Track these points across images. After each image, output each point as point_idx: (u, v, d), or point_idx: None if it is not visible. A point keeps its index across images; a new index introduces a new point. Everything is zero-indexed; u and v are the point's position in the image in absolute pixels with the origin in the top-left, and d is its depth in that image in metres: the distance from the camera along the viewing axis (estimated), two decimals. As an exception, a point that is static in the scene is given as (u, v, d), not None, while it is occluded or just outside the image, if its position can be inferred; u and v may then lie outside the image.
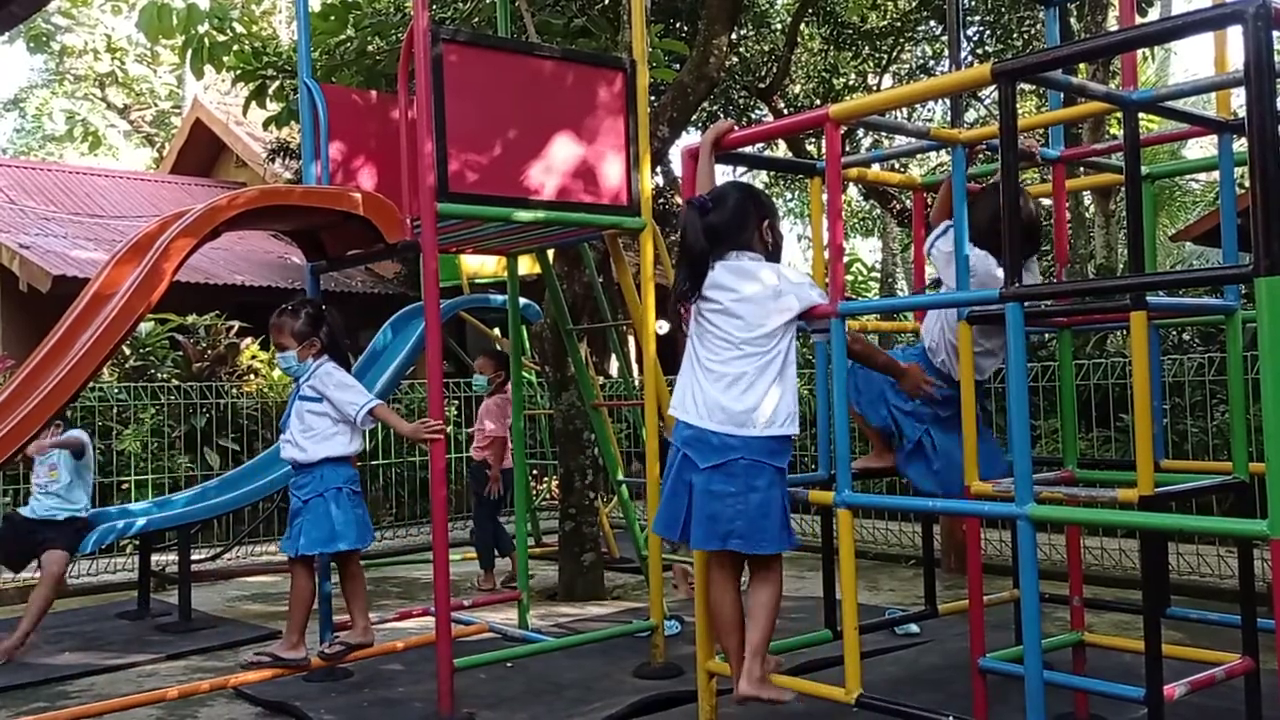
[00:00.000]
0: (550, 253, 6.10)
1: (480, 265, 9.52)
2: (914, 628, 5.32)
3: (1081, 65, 8.82)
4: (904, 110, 4.71)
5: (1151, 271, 3.60)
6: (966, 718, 3.26)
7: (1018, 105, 2.94)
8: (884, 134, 13.98)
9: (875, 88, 14.69)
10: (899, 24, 13.92)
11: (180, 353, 10.00)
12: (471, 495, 7.48)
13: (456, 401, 10.27)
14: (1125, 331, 6.05)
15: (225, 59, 7.98)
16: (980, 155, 4.32)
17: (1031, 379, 7.03)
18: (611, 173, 4.76)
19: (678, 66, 8.36)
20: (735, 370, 3.28)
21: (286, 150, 12.93)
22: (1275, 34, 2.47)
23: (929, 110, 17.02)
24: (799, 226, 25.57)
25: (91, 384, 7.28)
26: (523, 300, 6.13)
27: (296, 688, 4.68)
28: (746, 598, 3.41)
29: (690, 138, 11.23)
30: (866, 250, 24.75)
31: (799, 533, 3.52)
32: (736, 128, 3.70)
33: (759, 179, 23.73)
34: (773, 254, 3.47)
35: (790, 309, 3.33)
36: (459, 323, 9.07)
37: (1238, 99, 3.03)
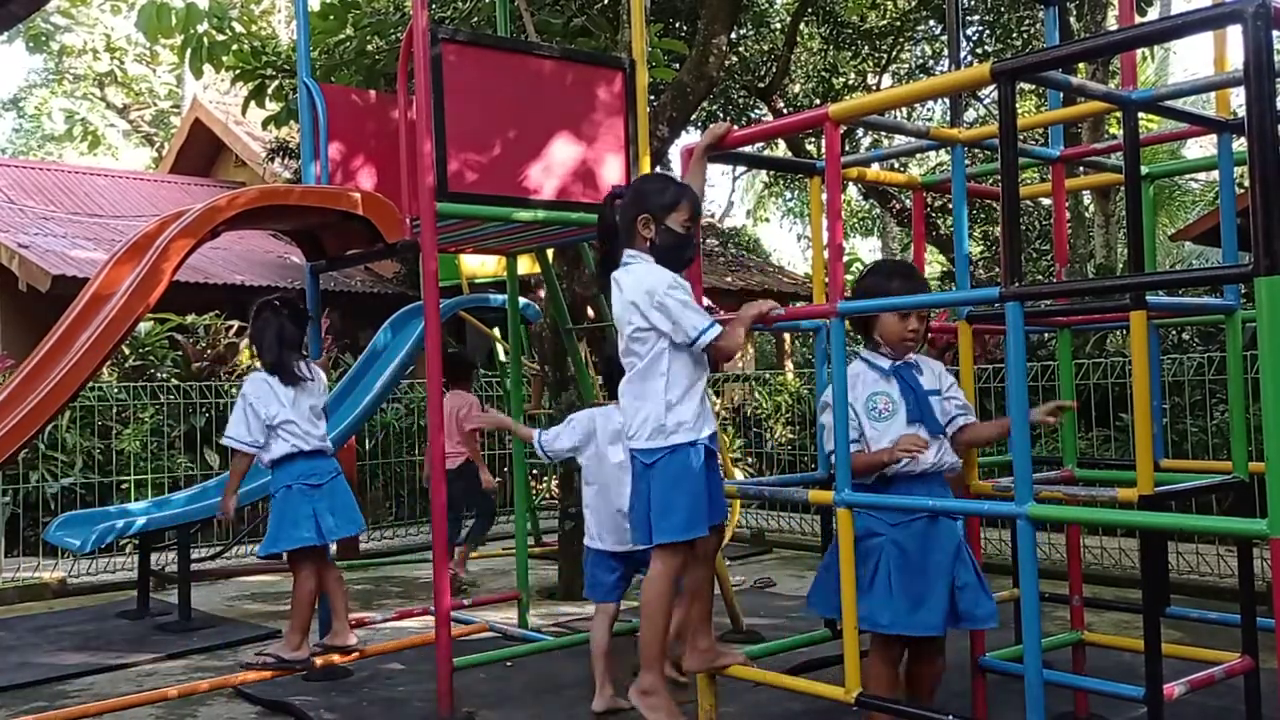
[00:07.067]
0: (550, 253, 6.09)
1: (480, 265, 9.51)
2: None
3: (1081, 65, 8.82)
4: (903, 110, 4.71)
5: (1151, 271, 3.60)
6: (967, 717, 3.26)
7: (1017, 105, 2.93)
8: (884, 133, 13.98)
9: (875, 87, 14.70)
10: (898, 23, 13.93)
11: (180, 352, 9.99)
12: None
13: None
14: (1125, 331, 6.05)
15: (224, 58, 7.97)
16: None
17: (1031, 378, 7.02)
18: (611, 172, 4.76)
19: (677, 66, 8.35)
20: (626, 385, 3.38)
21: (286, 150, 12.92)
22: (1275, 34, 2.47)
23: (929, 110, 17.03)
24: (799, 226, 25.59)
25: (91, 383, 7.28)
26: (522, 300, 6.13)
27: (296, 687, 4.68)
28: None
29: (690, 137, 11.22)
30: (866, 250, 24.79)
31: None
32: (735, 128, 3.70)
33: (759, 178, 23.79)
34: (660, 253, 3.32)
35: (640, 322, 3.28)
36: (459, 322, 9.06)
37: (1237, 99, 3.03)
